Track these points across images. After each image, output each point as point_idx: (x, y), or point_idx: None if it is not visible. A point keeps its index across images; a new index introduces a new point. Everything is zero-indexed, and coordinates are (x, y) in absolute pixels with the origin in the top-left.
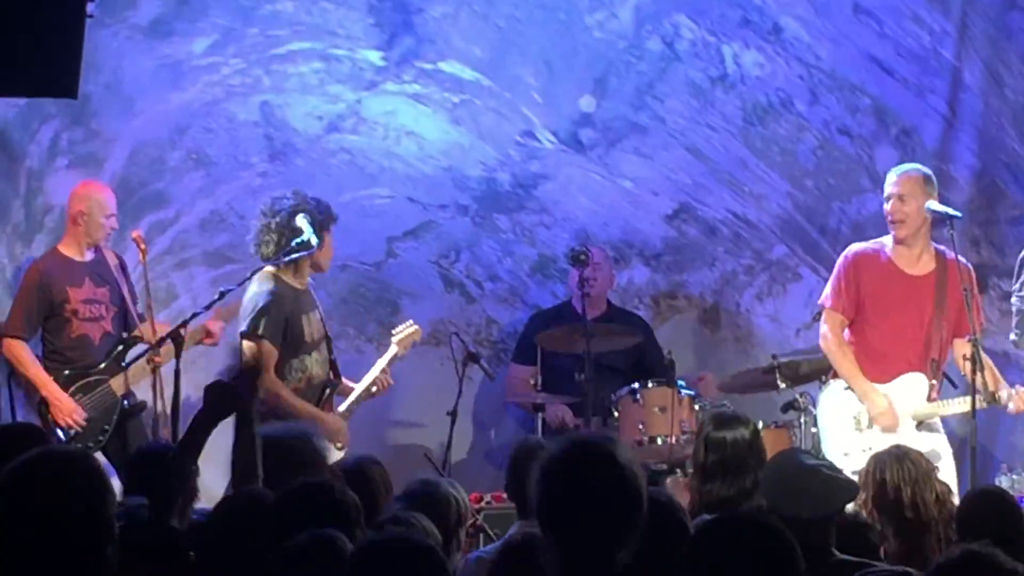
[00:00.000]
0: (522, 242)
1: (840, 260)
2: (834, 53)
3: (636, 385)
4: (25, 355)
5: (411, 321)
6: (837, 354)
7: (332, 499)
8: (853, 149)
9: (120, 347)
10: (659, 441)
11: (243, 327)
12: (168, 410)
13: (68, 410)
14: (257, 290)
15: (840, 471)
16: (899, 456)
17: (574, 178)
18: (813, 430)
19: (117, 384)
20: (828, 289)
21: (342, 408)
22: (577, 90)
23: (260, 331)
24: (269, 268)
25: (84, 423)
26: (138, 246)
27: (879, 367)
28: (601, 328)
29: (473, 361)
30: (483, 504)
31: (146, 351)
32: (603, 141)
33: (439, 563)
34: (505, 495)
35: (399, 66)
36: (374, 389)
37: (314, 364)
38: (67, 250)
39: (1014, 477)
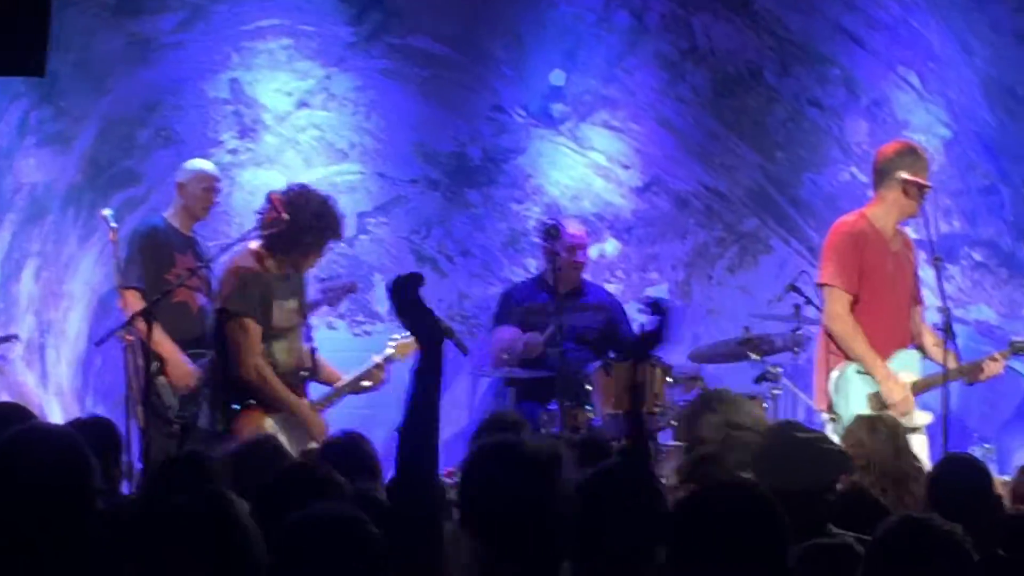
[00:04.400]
0: (493, 216)
1: (838, 236)
2: (803, 24)
3: (611, 357)
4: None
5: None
6: (854, 336)
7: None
8: (823, 120)
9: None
10: None
11: (223, 304)
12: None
13: (185, 373)
14: (236, 266)
15: (834, 444)
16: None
17: (545, 152)
18: (831, 416)
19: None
20: (831, 267)
21: (320, 396)
22: (547, 64)
23: (243, 308)
24: (251, 246)
25: (196, 386)
26: (108, 224)
27: (874, 347)
28: (573, 303)
29: (447, 335)
30: (456, 479)
31: (120, 327)
32: (573, 115)
33: (368, 536)
34: None
35: (368, 41)
36: (367, 383)
37: (280, 351)
38: (173, 220)
39: (986, 447)
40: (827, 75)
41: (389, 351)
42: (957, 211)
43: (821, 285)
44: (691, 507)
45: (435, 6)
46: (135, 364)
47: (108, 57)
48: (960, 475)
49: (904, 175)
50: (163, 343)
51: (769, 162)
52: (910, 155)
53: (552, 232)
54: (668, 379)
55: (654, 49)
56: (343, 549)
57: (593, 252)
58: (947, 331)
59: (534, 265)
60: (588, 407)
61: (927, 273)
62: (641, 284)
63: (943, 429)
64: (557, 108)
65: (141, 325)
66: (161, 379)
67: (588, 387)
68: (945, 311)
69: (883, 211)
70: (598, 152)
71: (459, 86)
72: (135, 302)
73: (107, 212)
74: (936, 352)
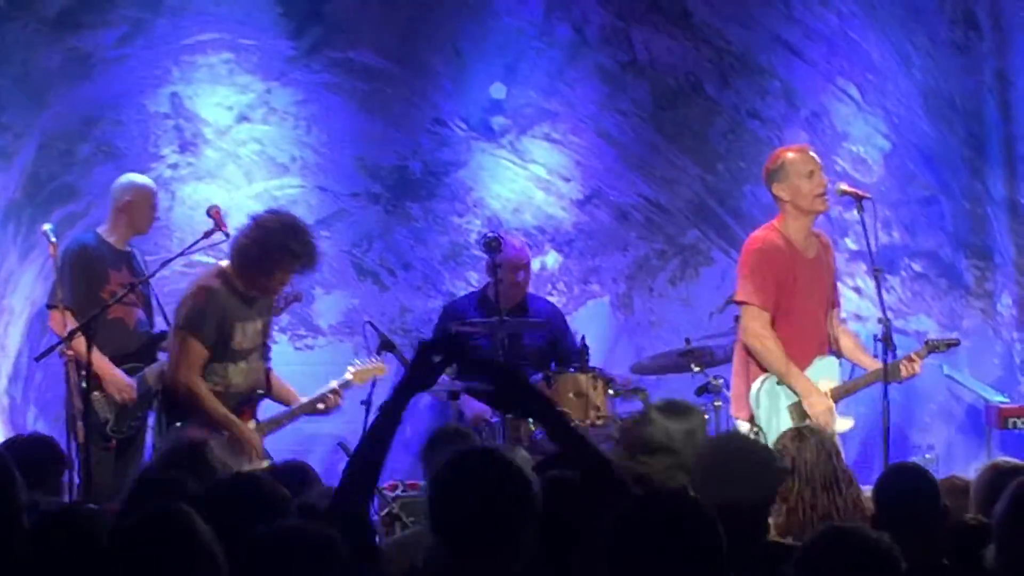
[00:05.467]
0: (434, 230)
1: (751, 254)
2: (742, 36)
3: (550, 371)
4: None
5: (375, 360)
6: (776, 354)
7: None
8: (763, 132)
9: (156, 339)
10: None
11: (178, 320)
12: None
13: (122, 385)
14: (200, 285)
15: (776, 455)
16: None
17: (485, 165)
18: (753, 429)
19: (152, 374)
20: (748, 286)
21: (274, 415)
22: (487, 77)
23: (192, 325)
24: (221, 264)
25: (135, 399)
26: (48, 239)
27: (792, 357)
28: (515, 316)
29: (389, 349)
30: (398, 492)
31: (58, 343)
32: (514, 127)
33: (336, 553)
34: (421, 483)
35: (309, 55)
36: (321, 406)
37: (237, 374)
38: (108, 236)
39: (927, 457)
40: (767, 87)
41: (348, 376)
42: (897, 222)
43: (739, 303)
44: (628, 517)
45: (375, 20)
46: (76, 380)
47: (48, 72)
48: (907, 485)
49: (844, 186)
50: (97, 360)
51: (710, 174)
52: (781, 168)
53: (493, 245)
54: (609, 391)
55: (594, 62)
56: (314, 567)
57: (535, 265)
58: (887, 343)
59: (475, 278)
60: (530, 419)
61: (867, 284)
62: (582, 297)
63: (884, 439)
64: (498, 121)
65: (79, 342)
66: (96, 395)
67: None
68: (885, 322)
69: (790, 219)
70: (539, 165)
71: (400, 100)
72: (65, 321)
73: (47, 227)
74: (856, 354)
